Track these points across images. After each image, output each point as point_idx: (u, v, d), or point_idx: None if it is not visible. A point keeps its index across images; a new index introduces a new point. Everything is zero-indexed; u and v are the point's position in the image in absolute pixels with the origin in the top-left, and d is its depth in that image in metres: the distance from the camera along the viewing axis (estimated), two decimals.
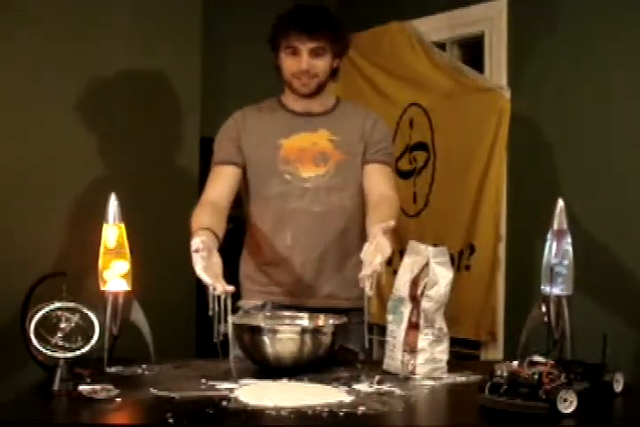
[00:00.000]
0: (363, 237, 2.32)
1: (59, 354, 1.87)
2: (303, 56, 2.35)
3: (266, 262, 2.46)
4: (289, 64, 2.38)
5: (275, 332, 2.05)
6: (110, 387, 1.84)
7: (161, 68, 3.32)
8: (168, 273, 3.04)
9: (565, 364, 1.84)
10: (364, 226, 2.35)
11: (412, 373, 2.07)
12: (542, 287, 2.21)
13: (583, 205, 2.88)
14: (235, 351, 2.04)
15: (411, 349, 2.08)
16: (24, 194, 3.01)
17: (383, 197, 2.36)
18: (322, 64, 2.37)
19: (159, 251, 3.07)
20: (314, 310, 2.30)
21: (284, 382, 1.96)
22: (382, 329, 2.34)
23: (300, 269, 2.40)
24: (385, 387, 1.94)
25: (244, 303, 2.46)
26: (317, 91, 2.42)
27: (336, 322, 2.13)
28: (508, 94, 3.34)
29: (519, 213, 3.33)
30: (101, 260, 2.24)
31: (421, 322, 2.08)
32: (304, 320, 2.25)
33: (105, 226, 2.25)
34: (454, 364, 2.15)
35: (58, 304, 1.89)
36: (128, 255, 2.25)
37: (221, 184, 2.39)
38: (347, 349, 2.38)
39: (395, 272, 2.19)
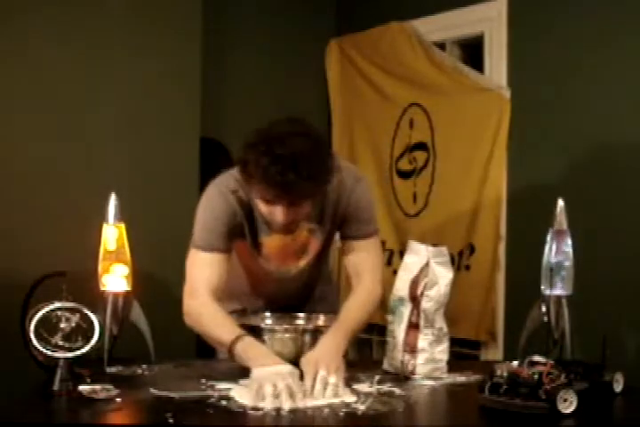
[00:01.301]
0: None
1: (59, 354, 1.87)
2: (279, 209, 2.01)
3: (241, 290, 2.40)
4: (263, 210, 2.06)
5: (274, 332, 2.05)
6: (110, 387, 1.84)
7: (161, 68, 3.32)
8: (168, 273, 3.03)
9: (565, 364, 1.84)
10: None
11: (412, 373, 2.07)
12: (542, 287, 2.21)
13: (583, 205, 2.88)
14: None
15: (411, 349, 2.08)
16: (24, 194, 3.01)
17: (357, 290, 2.20)
18: (303, 210, 2.05)
19: (159, 251, 3.07)
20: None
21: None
22: (382, 329, 2.33)
23: (272, 303, 2.37)
24: (385, 387, 1.94)
25: (225, 308, 2.42)
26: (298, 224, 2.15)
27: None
28: (508, 94, 3.34)
29: (519, 213, 3.33)
30: (101, 263, 2.24)
31: (421, 322, 2.08)
32: (303, 320, 2.25)
33: (105, 226, 2.25)
34: (454, 364, 2.15)
35: (58, 304, 1.89)
36: (128, 257, 2.25)
37: (216, 273, 2.13)
38: None
39: (395, 272, 2.19)
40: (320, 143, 2.02)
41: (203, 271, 2.13)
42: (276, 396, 1.77)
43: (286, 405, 1.75)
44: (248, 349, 1.95)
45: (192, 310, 2.10)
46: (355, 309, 2.14)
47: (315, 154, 1.96)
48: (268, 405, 1.75)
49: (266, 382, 1.80)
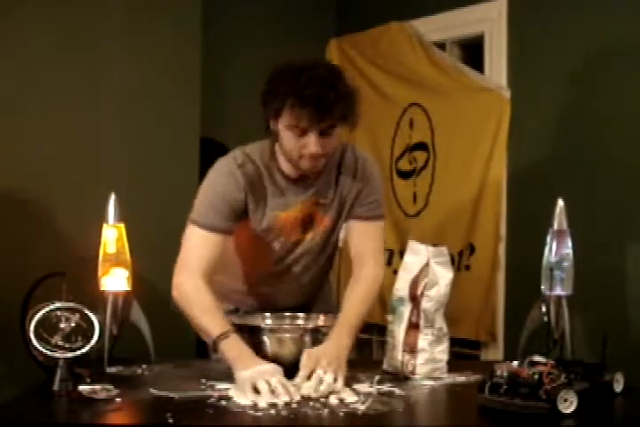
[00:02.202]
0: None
1: (59, 354, 1.87)
2: (312, 138, 2.00)
3: (235, 290, 2.38)
4: (293, 144, 2.03)
5: (274, 332, 2.05)
6: (110, 387, 1.84)
7: (161, 68, 3.32)
8: (168, 273, 3.03)
9: (565, 364, 1.84)
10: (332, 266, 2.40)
11: (412, 373, 2.07)
12: (542, 287, 2.21)
13: (583, 205, 2.88)
14: None
15: (411, 349, 2.08)
16: (24, 194, 3.00)
17: (362, 276, 2.18)
18: (331, 142, 2.05)
19: (159, 251, 3.07)
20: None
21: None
22: (382, 329, 2.34)
23: (267, 302, 2.35)
24: (385, 387, 1.94)
25: None
26: (320, 169, 2.15)
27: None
28: (508, 94, 3.34)
29: (519, 213, 3.33)
30: (101, 263, 2.24)
31: (421, 322, 2.08)
32: (303, 320, 2.25)
33: (105, 226, 2.25)
34: (454, 364, 2.15)
35: (58, 304, 1.89)
36: (128, 257, 2.25)
37: (211, 254, 2.09)
38: None
39: (395, 272, 2.19)
40: (345, 74, 2.08)
41: (199, 249, 2.09)
42: (272, 391, 1.79)
43: (284, 399, 1.77)
44: (233, 348, 1.94)
45: (182, 288, 2.07)
46: (358, 302, 2.13)
47: (343, 76, 2.04)
48: (265, 400, 1.77)
49: (257, 379, 1.82)
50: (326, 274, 2.42)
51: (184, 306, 2.06)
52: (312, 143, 2.00)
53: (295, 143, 2.02)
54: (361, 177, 2.21)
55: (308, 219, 2.21)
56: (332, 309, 2.34)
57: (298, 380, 1.88)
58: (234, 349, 1.95)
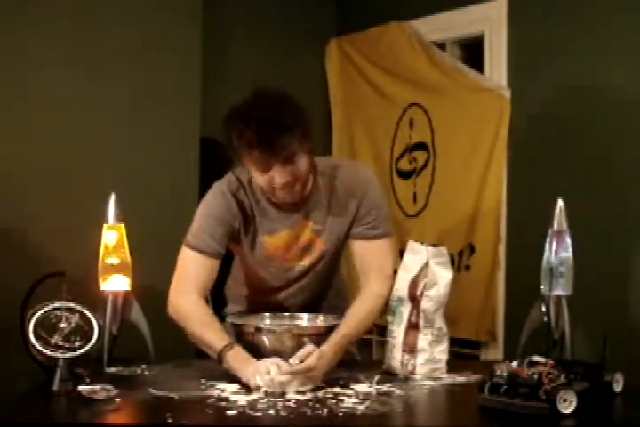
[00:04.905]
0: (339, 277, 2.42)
1: (58, 354, 1.87)
2: (275, 171, 2.00)
3: (247, 298, 2.41)
4: (261, 181, 2.05)
5: (274, 332, 2.05)
6: (110, 387, 1.84)
7: (161, 67, 3.32)
8: (168, 273, 3.03)
9: (565, 364, 1.84)
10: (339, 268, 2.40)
11: (412, 373, 2.07)
12: (542, 287, 2.21)
13: (583, 205, 2.88)
14: None
15: (410, 349, 2.08)
16: (24, 194, 3.01)
17: (362, 298, 2.18)
18: (299, 168, 2.03)
19: (159, 251, 3.07)
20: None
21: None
22: (382, 329, 2.34)
23: (280, 310, 2.34)
24: (385, 387, 1.94)
25: (229, 310, 2.42)
26: (304, 195, 2.14)
27: (334, 322, 2.13)
28: (508, 94, 3.34)
29: (519, 213, 3.33)
30: (101, 263, 2.24)
31: (421, 322, 2.08)
32: (303, 320, 2.25)
33: (105, 226, 2.26)
34: (454, 364, 2.15)
35: (57, 304, 1.89)
36: (128, 257, 2.25)
37: (204, 278, 2.14)
38: None
39: (395, 272, 2.19)
40: (290, 100, 2.06)
41: (193, 270, 2.15)
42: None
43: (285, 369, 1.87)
44: (238, 358, 1.98)
45: (179, 307, 2.11)
46: (354, 323, 2.10)
47: (286, 109, 2.01)
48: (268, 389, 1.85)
49: (260, 370, 1.89)
50: (337, 277, 2.40)
51: (183, 324, 2.10)
52: (277, 176, 2.01)
53: (263, 180, 2.04)
54: (357, 195, 2.18)
55: (305, 245, 2.22)
56: (346, 304, 2.32)
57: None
58: (239, 359, 1.97)
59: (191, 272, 2.14)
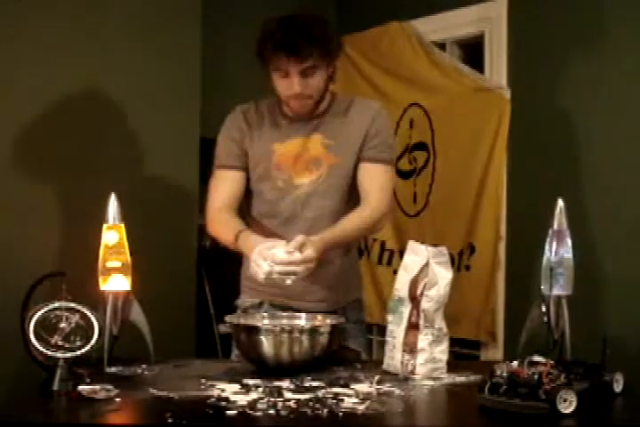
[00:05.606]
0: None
1: (58, 354, 1.87)
2: (294, 79, 2.26)
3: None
4: (281, 86, 2.31)
5: (272, 332, 2.05)
6: (110, 387, 1.84)
7: (161, 67, 3.32)
8: (168, 273, 3.04)
9: (565, 364, 1.84)
10: None
11: (412, 373, 2.07)
12: (542, 287, 2.21)
13: (583, 205, 2.88)
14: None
15: (410, 349, 2.08)
16: (24, 194, 3.01)
17: (359, 209, 2.34)
18: (314, 83, 2.29)
19: (159, 251, 3.07)
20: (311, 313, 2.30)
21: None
22: (382, 329, 2.34)
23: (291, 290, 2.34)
24: (385, 387, 1.94)
25: (242, 302, 2.46)
26: (315, 110, 2.37)
27: (333, 322, 2.13)
28: (508, 94, 3.34)
29: (519, 213, 3.33)
30: (101, 263, 2.23)
31: (421, 322, 2.08)
32: (301, 320, 2.25)
33: (105, 226, 2.25)
34: (454, 364, 2.15)
35: (58, 304, 1.89)
36: (128, 257, 2.25)
37: (228, 189, 2.40)
38: (347, 348, 2.38)
39: (395, 272, 2.19)
40: (325, 21, 2.35)
41: (219, 187, 2.40)
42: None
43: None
44: (246, 241, 2.21)
45: (210, 222, 2.37)
46: (352, 223, 2.28)
47: (319, 24, 2.29)
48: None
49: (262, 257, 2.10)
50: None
51: (216, 235, 2.36)
52: (294, 84, 2.26)
53: (281, 85, 2.30)
54: (367, 119, 2.37)
55: (314, 159, 2.36)
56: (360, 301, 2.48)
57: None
58: (248, 240, 2.21)
59: (216, 190, 2.40)
